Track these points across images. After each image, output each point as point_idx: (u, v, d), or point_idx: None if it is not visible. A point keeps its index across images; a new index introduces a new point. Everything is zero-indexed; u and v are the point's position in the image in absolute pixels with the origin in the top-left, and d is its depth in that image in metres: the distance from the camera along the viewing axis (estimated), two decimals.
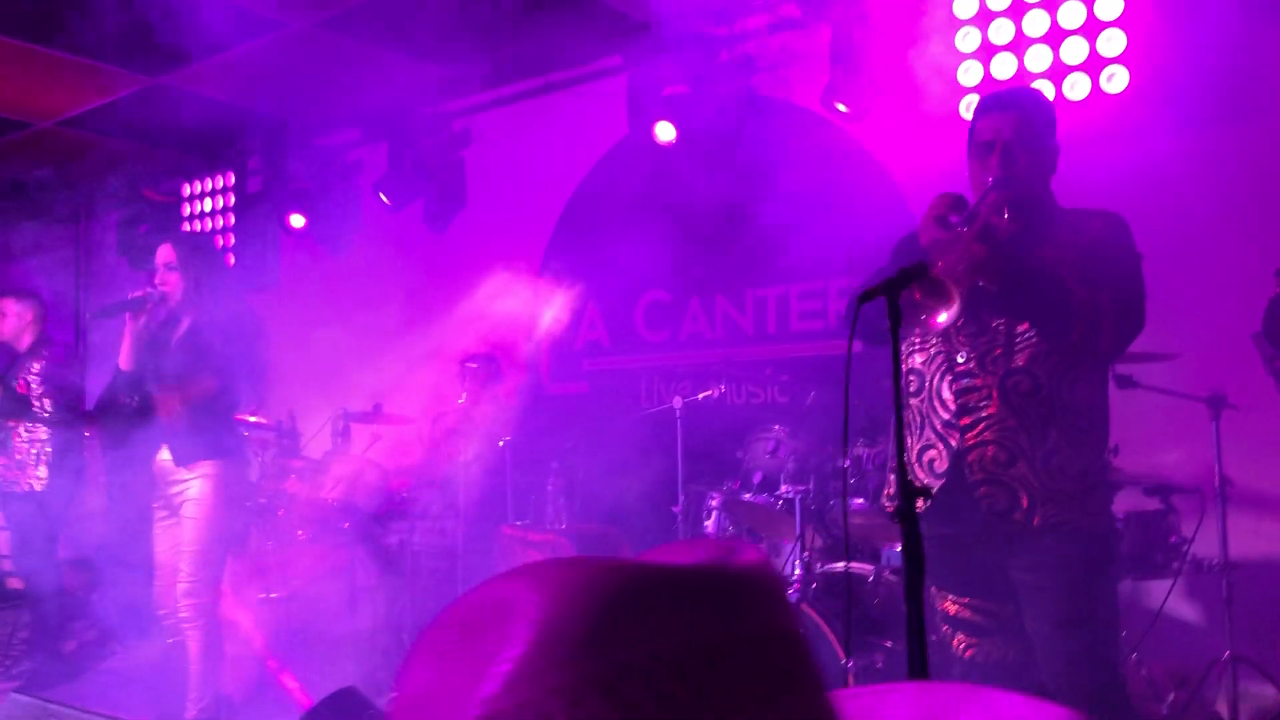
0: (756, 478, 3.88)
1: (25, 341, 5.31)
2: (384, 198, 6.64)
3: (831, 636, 3.33)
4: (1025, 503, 2.38)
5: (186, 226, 7.73)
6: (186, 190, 7.76)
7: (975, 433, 2.43)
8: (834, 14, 5.02)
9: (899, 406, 2.04)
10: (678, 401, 4.23)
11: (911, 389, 2.55)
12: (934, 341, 2.51)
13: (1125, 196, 4.32)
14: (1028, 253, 2.42)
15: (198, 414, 4.05)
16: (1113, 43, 4.17)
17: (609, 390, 6.22)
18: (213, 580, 4.13)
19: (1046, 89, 4.36)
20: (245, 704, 4.46)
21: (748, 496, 3.87)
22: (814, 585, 3.50)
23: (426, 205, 6.99)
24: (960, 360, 2.46)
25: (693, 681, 0.52)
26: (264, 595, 4.84)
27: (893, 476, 2.56)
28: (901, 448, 2.03)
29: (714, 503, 4.22)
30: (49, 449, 5.19)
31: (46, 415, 5.16)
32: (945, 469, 2.44)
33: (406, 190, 6.69)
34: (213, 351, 4.07)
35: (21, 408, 5.16)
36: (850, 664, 3.27)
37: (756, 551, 0.58)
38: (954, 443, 2.44)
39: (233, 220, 7.52)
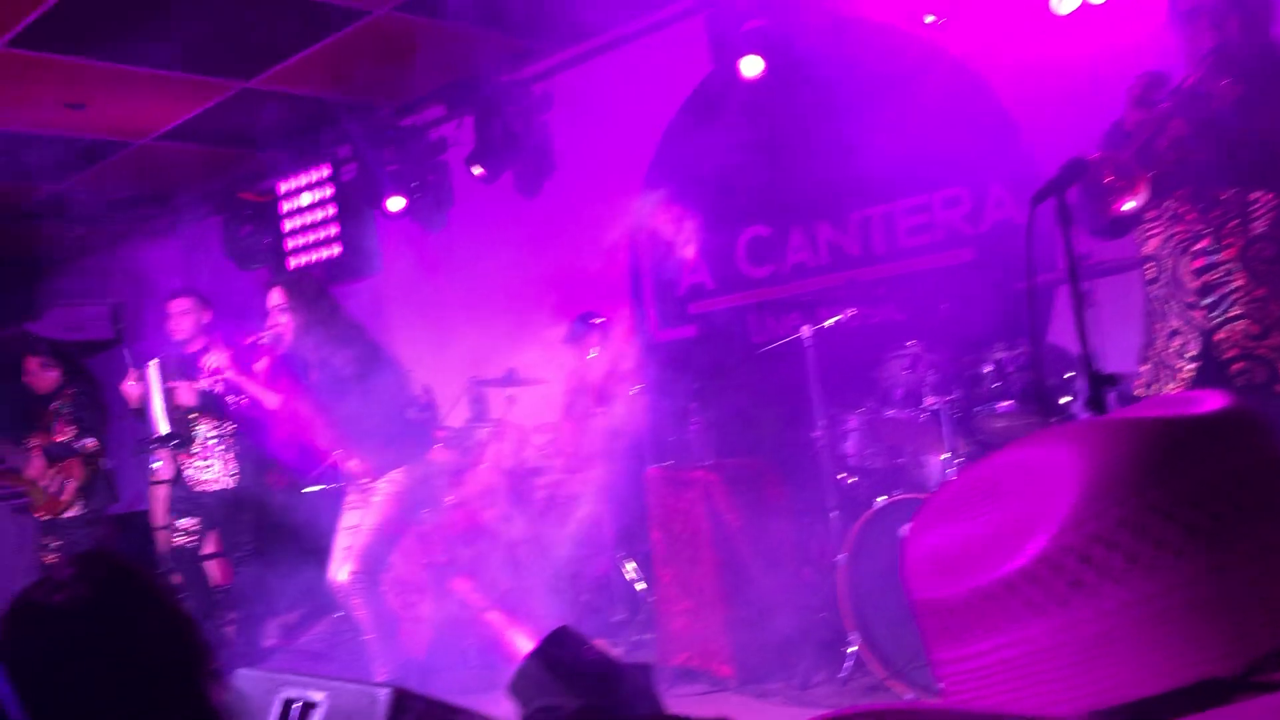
0: (898, 394, 3.96)
1: (198, 343, 5.52)
2: (477, 171, 6.77)
3: None
4: None
5: (287, 224, 7.96)
6: (282, 188, 7.98)
7: (1222, 309, 2.40)
8: None
9: (1079, 306, 2.09)
10: (806, 330, 4.31)
11: (1148, 276, 2.55)
12: (1164, 224, 2.50)
13: None
14: (1254, 114, 2.37)
15: (371, 430, 4.28)
16: None
17: (718, 331, 6.32)
18: (377, 561, 4.41)
19: None
20: (431, 665, 4.71)
21: (891, 413, 3.96)
22: None
23: (517, 173, 7.12)
24: (1196, 238, 2.44)
25: (1233, 502, 0.61)
26: (427, 561, 5.07)
27: (1145, 367, 2.57)
28: (1084, 339, 2.09)
29: (852, 424, 4.31)
30: (236, 444, 5.44)
31: (236, 412, 5.40)
32: (1197, 351, 2.46)
33: (497, 161, 6.82)
34: (351, 378, 4.31)
35: (208, 406, 5.38)
36: None
37: (1224, 397, 0.67)
38: (1202, 322, 2.44)
39: (332, 211, 7.72)
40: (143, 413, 5.48)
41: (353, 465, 4.45)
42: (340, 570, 4.34)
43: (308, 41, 6.25)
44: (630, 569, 5.16)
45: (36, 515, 6.28)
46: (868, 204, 5.71)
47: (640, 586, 5.10)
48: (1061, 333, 4.72)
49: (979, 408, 3.77)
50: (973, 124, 5.25)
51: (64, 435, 6.28)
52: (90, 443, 6.27)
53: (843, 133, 5.60)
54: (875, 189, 5.62)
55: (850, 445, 4.33)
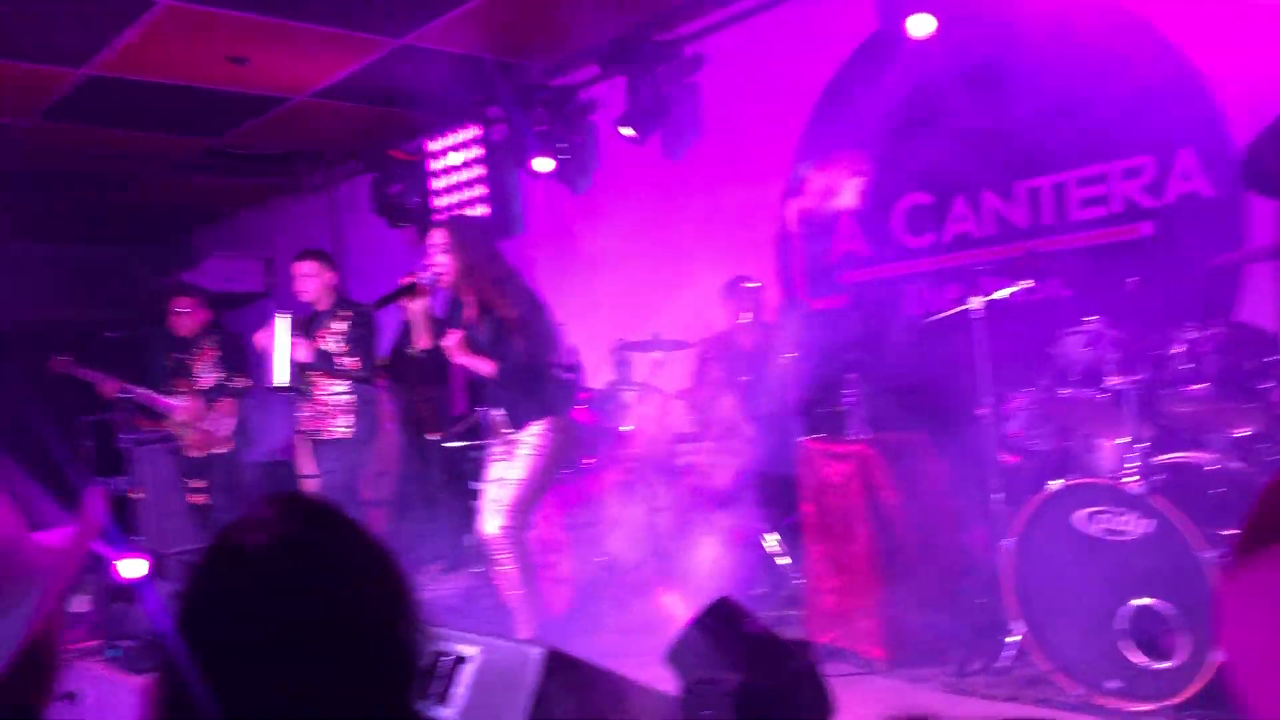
0: (1075, 372, 3.72)
1: (326, 303, 5.65)
2: (628, 132, 6.67)
3: (1182, 529, 3.18)
4: None
5: (435, 183, 8.02)
6: (431, 146, 8.03)
7: None
8: None
9: None
10: (976, 302, 4.09)
11: None
12: None
13: None
14: None
15: (520, 381, 4.24)
16: None
17: (871, 301, 6.10)
18: (526, 516, 4.37)
19: None
20: (570, 627, 4.67)
21: (1066, 392, 3.73)
22: (1159, 477, 3.34)
23: (666, 136, 7.00)
24: None
25: None
26: (568, 521, 5.03)
27: None
28: None
29: (1019, 403, 4.09)
30: (353, 402, 5.56)
31: (350, 371, 5.51)
32: None
33: (647, 122, 6.71)
34: (509, 324, 4.26)
35: (325, 363, 5.53)
36: (1210, 556, 3.12)
37: None
38: None
39: (480, 171, 7.74)
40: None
41: (497, 415, 4.40)
42: (490, 523, 4.32)
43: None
44: (772, 541, 5.03)
45: (189, 454, 6.50)
46: (1037, 173, 5.41)
47: (783, 560, 4.97)
48: (1254, 312, 4.39)
49: (1166, 390, 3.51)
50: (1157, 88, 4.91)
51: (209, 378, 6.50)
52: (243, 382, 6.48)
53: (1013, 97, 5.32)
54: (1046, 157, 5.33)
55: (1016, 425, 4.12)
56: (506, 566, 4.37)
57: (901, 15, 5.27)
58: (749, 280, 5.71)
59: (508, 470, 4.33)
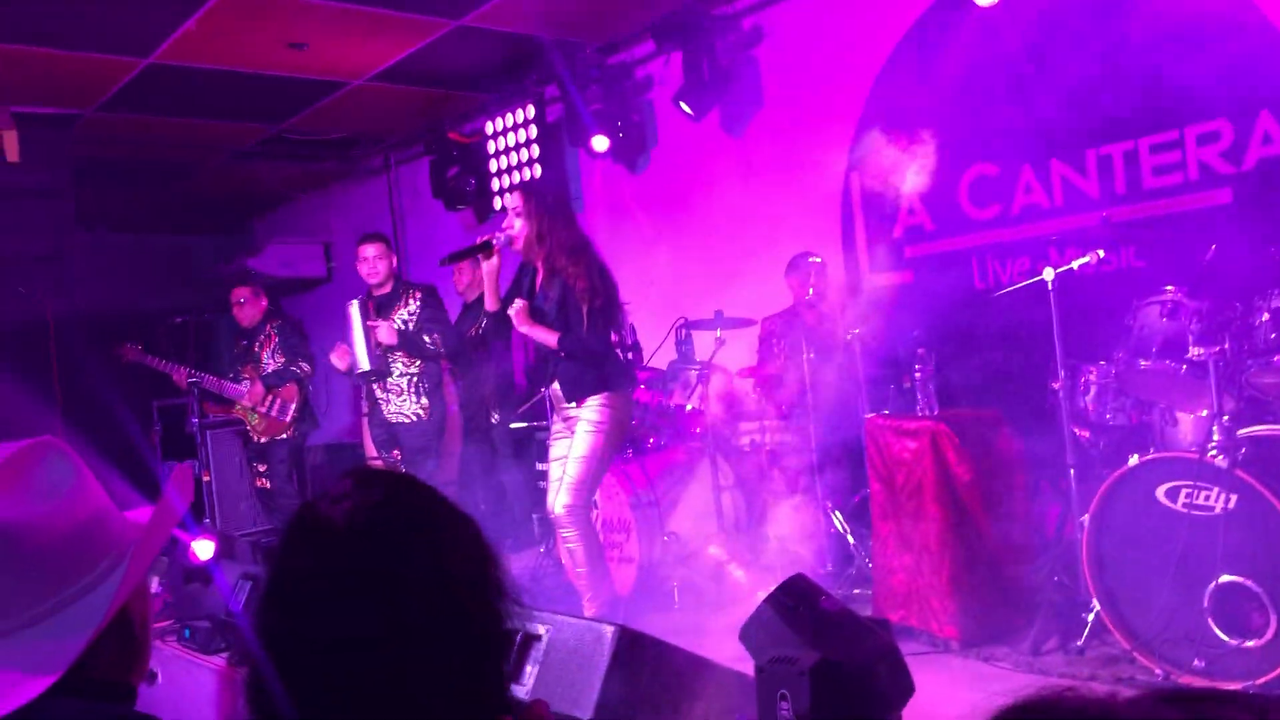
0: (1155, 344, 3.61)
1: (387, 288, 5.68)
2: (686, 108, 6.61)
3: (1274, 500, 3.08)
4: None
5: (493, 164, 8.02)
6: (489, 128, 8.02)
7: None
8: None
9: None
10: (1049, 273, 3.98)
11: None
12: None
13: None
14: None
15: (583, 354, 4.24)
16: None
17: (937, 276, 5.99)
18: (589, 491, 4.34)
19: None
20: (634, 605, 4.66)
21: (1145, 364, 3.62)
22: (1242, 450, 3.24)
23: (724, 110, 6.93)
24: None
25: None
26: (632, 499, 5.01)
27: None
28: None
29: (1095, 376, 3.99)
30: (425, 381, 5.59)
31: (435, 349, 5.55)
32: None
33: (705, 98, 6.64)
34: (557, 304, 4.25)
35: (408, 343, 5.57)
36: None
37: None
38: None
39: (536, 151, 7.72)
40: (352, 370, 5.68)
41: (555, 391, 4.37)
42: (556, 501, 4.31)
43: None
44: (838, 519, 4.97)
45: (255, 439, 6.58)
46: (1108, 140, 5.26)
47: (850, 539, 4.91)
48: None
49: (1251, 361, 3.39)
50: (1233, 48, 4.74)
51: (274, 362, 6.56)
52: (306, 366, 6.54)
53: (1081, 63, 5.18)
54: (1118, 124, 5.19)
55: (1092, 399, 4.01)
56: (573, 544, 4.36)
57: None
58: (813, 255, 5.63)
59: (568, 448, 4.31)
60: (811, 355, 4.93)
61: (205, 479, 6.99)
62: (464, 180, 8.31)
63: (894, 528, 4.12)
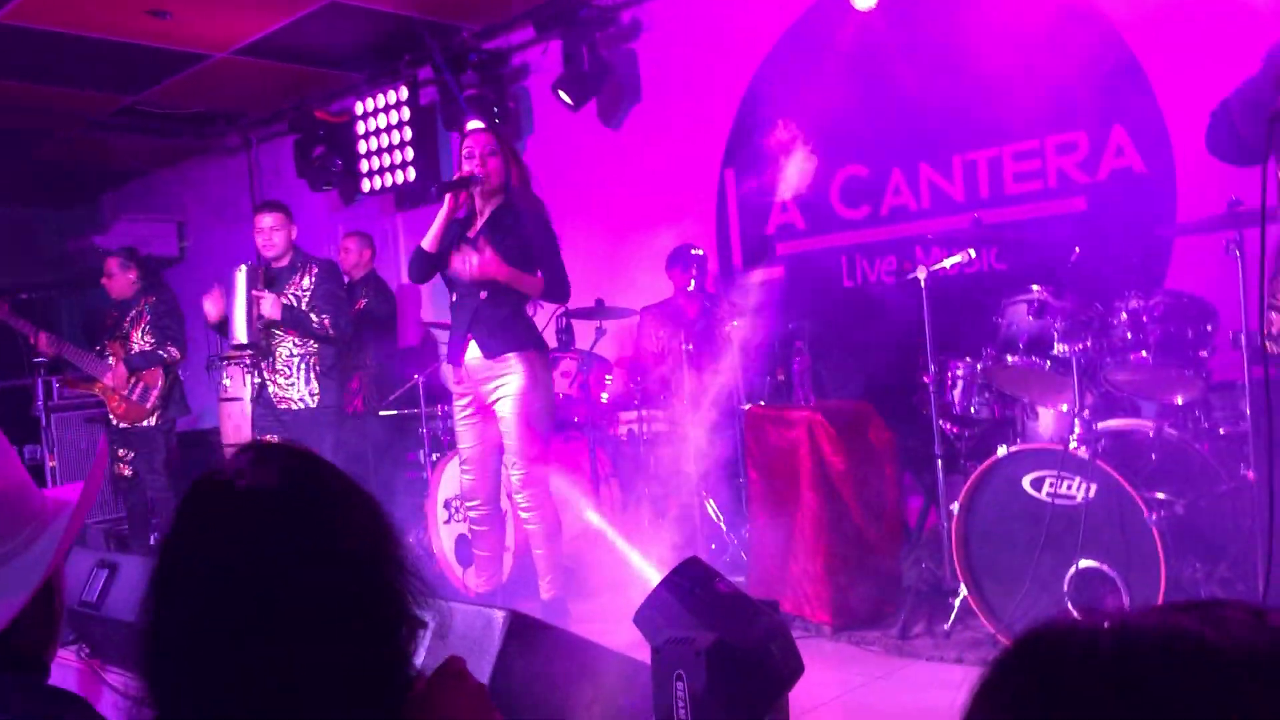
0: (1023, 340, 3.79)
1: (286, 259, 5.43)
2: (565, 97, 6.60)
3: (1131, 490, 3.27)
4: None
5: (363, 145, 7.85)
6: (359, 108, 7.85)
7: None
8: None
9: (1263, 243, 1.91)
10: (922, 271, 4.13)
11: None
12: None
13: None
14: None
15: (507, 306, 4.13)
16: None
17: (807, 272, 6.14)
18: (544, 466, 4.23)
19: None
20: (517, 592, 4.64)
21: (1013, 359, 3.79)
22: (1101, 442, 3.43)
23: (601, 102, 6.94)
24: None
25: None
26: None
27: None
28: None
29: (963, 371, 4.15)
30: (319, 364, 5.34)
31: (322, 331, 5.29)
32: None
33: (584, 88, 6.64)
34: (532, 243, 4.13)
35: (295, 319, 5.27)
36: (1153, 516, 3.21)
37: None
38: None
39: (408, 134, 7.59)
40: (223, 325, 5.36)
41: (471, 359, 4.18)
42: (515, 478, 4.17)
43: None
44: (712, 507, 5.05)
45: (116, 424, 6.24)
46: (974, 147, 5.49)
47: (723, 527, 5.00)
48: (1184, 281, 4.52)
49: (1110, 359, 3.60)
50: (1092, 64, 5.01)
51: (143, 343, 6.24)
52: (174, 351, 6.22)
53: (951, 71, 5.39)
54: (983, 131, 5.42)
55: (959, 393, 4.18)
56: (534, 524, 4.21)
57: None
58: (695, 248, 5.70)
59: (508, 415, 4.11)
60: (690, 346, 5.00)
61: (50, 464, 6.63)
62: (330, 160, 8.09)
63: (770, 516, 4.21)
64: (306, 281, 5.39)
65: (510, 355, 4.12)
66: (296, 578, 1.08)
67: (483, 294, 4.12)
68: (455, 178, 4.17)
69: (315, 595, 1.08)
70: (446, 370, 4.62)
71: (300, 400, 5.33)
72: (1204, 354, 3.53)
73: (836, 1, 5.50)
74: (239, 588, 1.07)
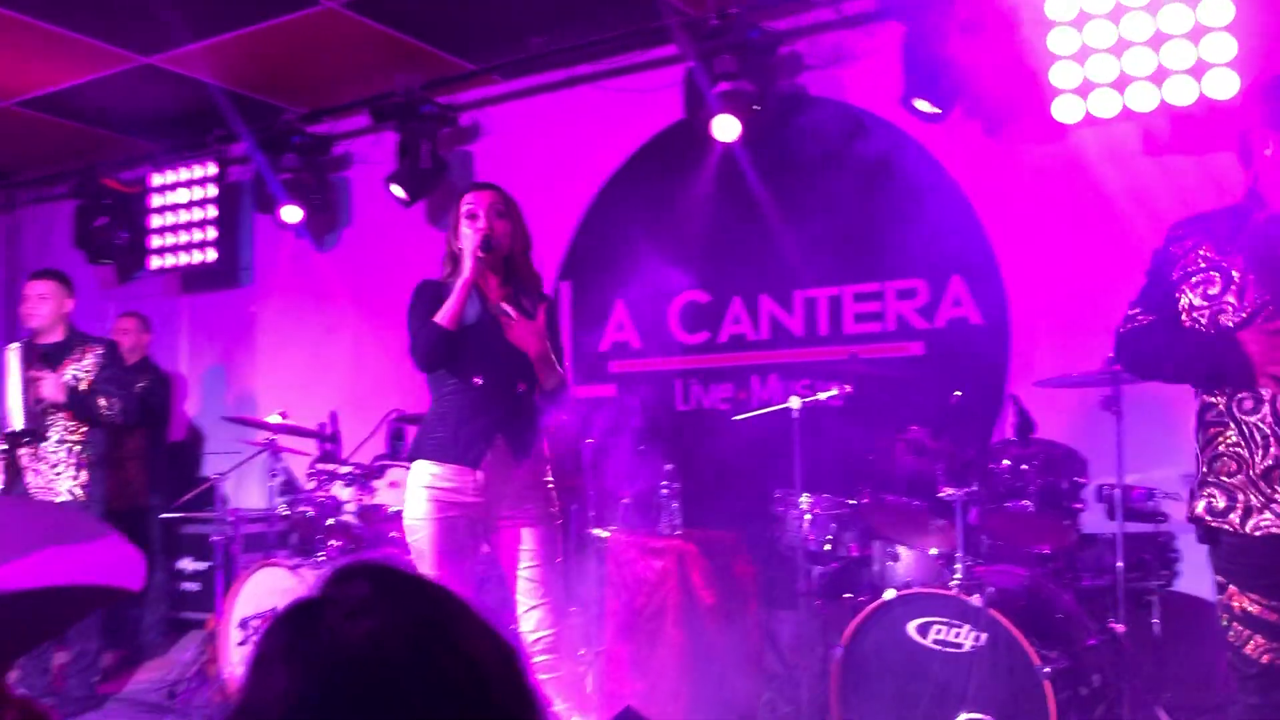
0: (903, 480, 3.76)
1: (60, 333, 4.81)
2: (399, 191, 6.30)
3: (1023, 641, 3.24)
4: None
5: (156, 220, 7.22)
6: (156, 180, 7.24)
7: None
8: (908, 11, 4.95)
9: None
10: (795, 401, 4.08)
11: (1245, 406, 2.38)
12: None
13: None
14: None
15: (535, 402, 3.49)
16: (1221, 48, 4.20)
17: (639, 393, 6.01)
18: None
19: (1149, 93, 4.38)
20: None
21: (891, 498, 3.76)
22: (991, 590, 3.40)
23: (432, 202, 6.68)
24: None
25: None
26: None
27: (1215, 491, 2.43)
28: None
29: (831, 507, 4.09)
30: (89, 453, 4.72)
31: (110, 416, 4.69)
32: None
33: (420, 185, 6.36)
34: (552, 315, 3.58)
35: (75, 404, 4.66)
36: (1049, 670, 3.18)
37: None
38: None
39: (213, 212, 7.04)
40: None
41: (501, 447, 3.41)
42: (543, 623, 3.38)
43: (234, 24, 5.68)
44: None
45: None
46: (816, 284, 5.58)
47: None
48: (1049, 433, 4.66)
49: (991, 504, 3.61)
50: (936, 217, 5.21)
51: None
52: None
53: (799, 209, 5.50)
54: (826, 271, 5.52)
55: (816, 528, 4.10)
56: (553, 673, 3.30)
57: (707, 115, 5.31)
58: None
59: (536, 543, 3.36)
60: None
61: None
62: (114, 232, 7.38)
63: (631, 651, 3.95)
64: (88, 361, 4.84)
65: (527, 463, 3.40)
66: None
67: (521, 385, 3.40)
68: (479, 240, 3.35)
69: None
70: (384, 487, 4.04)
71: (68, 493, 4.69)
72: (1078, 505, 3.59)
73: (693, 129, 5.51)
74: None
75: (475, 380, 3.31)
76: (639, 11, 5.44)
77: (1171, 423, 4.41)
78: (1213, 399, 2.43)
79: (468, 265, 3.29)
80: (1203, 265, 2.39)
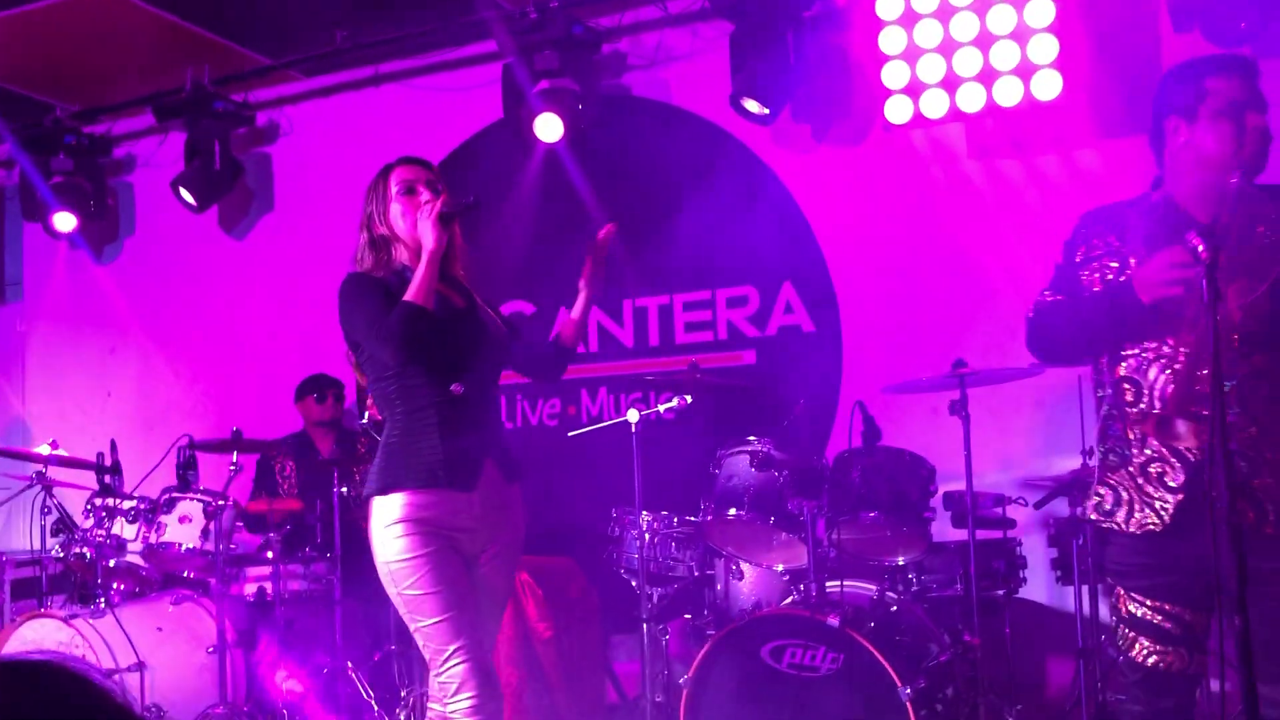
0: (747, 495, 3.53)
1: None
2: (187, 197, 5.73)
3: (884, 661, 3.05)
4: (1274, 515, 2.17)
5: None
6: None
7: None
8: (737, 9, 4.79)
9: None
10: (634, 415, 3.81)
11: (1127, 399, 2.29)
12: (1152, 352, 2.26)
13: (1054, 206, 4.39)
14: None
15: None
16: (1044, 48, 4.20)
17: None
18: None
19: (976, 93, 4.35)
20: None
21: (736, 513, 3.52)
22: (847, 608, 3.21)
23: (225, 208, 6.14)
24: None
25: None
26: (104, 667, 3.94)
27: (1103, 489, 2.32)
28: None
29: (670, 526, 3.84)
30: None
31: None
32: (1182, 482, 2.20)
33: (211, 189, 5.81)
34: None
35: None
36: (909, 691, 3.00)
37: None
38: (1190, 455, 2.19)
39: None
40: None
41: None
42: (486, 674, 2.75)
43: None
44: (357, 682, 4.28)
45: None
46: (646, 293, 5.35)
47: (374, 706, 4.23)
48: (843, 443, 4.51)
49: (844, 517, 3.43)
50: (766, 222, 5.08)
51: None
52: None
53: (627, 216, 5.25)
54: (656, 279, 5.30)
55: (654, 547, 3.85)
56: None
57: (529, 117, 5.01)
58: (328, 376, 5.06)
59: (504, 573, 2.93)
60: (345, 490, 4.30)
61: None
62: None
63: None
64: None
65: (516, 485, 2.96)
66: None
67: (495, 390, 3.00)
68: (449, 205, 2.82)
69: None
70: None
71: None
72: (928, 515, 3.46)
73: (513, 129, 5.20)
74: None
75: (454, 389, 2.76)
76: (453, 5, 5.10)
77: (1008, 427, 4.38)
78: (1102, 393, 2.34)
79: (430, 235, 2.73)
80: (1105, 251, 2.34)
